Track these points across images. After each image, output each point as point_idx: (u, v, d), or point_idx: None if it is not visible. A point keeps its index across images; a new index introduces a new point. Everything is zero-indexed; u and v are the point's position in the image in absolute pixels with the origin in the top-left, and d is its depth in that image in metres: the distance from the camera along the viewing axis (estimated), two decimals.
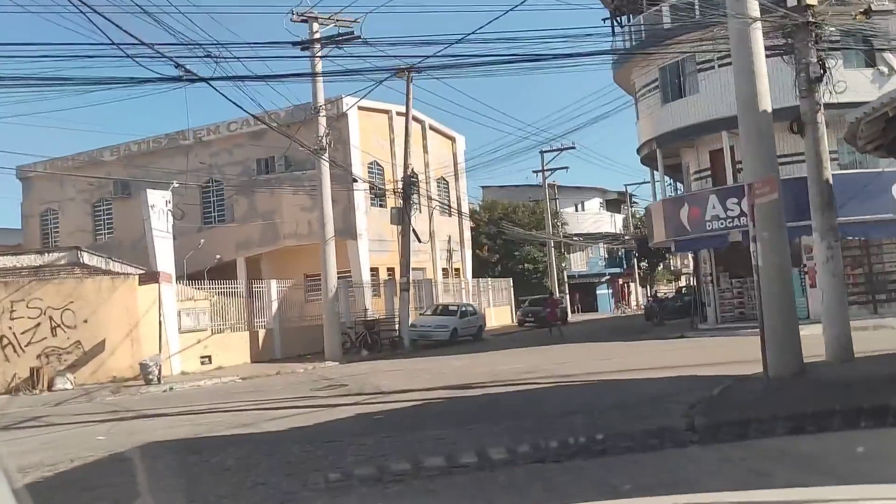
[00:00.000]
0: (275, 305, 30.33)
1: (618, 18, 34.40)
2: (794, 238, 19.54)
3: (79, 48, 13.99)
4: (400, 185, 34.36)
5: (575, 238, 63.64)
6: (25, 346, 22.89)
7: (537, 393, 15.08)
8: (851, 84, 18.68)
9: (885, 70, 26.03)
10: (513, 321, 50.05)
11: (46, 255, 27.42)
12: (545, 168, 57.06)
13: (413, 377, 19.85)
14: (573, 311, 55.65)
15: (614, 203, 74.30)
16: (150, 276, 24.32)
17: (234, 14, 73.09)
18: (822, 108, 14.69)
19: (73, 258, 26.48)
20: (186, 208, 34.03)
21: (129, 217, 36.65)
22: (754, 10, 13.24)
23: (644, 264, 72.36)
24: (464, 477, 8.02)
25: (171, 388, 21.25)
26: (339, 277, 30.35)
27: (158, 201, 25.63)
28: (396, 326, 33.52)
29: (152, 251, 25.09)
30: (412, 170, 34.40)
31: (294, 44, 26.01)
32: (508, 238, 55.60)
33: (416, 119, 38.11)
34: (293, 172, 36.78)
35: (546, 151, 55.29)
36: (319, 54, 27.30)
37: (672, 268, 77.95)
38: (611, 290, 72.86)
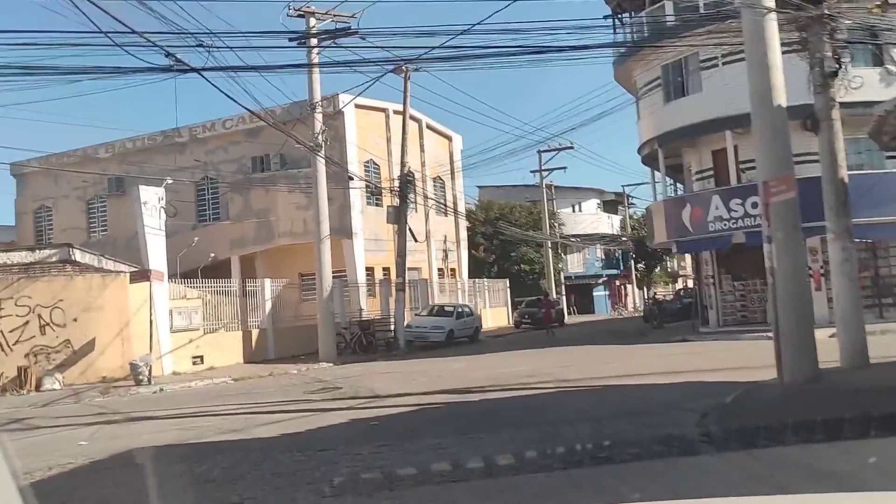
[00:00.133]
0: (268, 305, 29.86)
1: (619, 16, 33.88)
2: None
3: (65, 36, 13.45)
4: (397, 183, 33.88)
5: (572, 239, 63.21)
6: (13, 344, 22.41)
7: (540, 398, 14.51)
8: (864, 81, 18.17)
9: (894, 69, 25.51)
10: (509, 322, 49.56)
11: (37, 252, 26.93)
12: (543, 168, 56.56)
13: (409, 380, 19.35)
14: (569, 313, 55.13)
15: (611, 204, 73.81)
16: (142, 274, 23.78)
17: (229, 2, 71.96)
18: (837, 104, 14.15)
19: (64, 255, 25.99)
20: (181, 206, 33.62)
21: (123, 215, 36.19)
22: (768, 0, 12.74)
23: (641, 266, 71.96)
24: (466, 490, 7.48)
25: (161, 389, 20.73)
26: (334, 277, 29.88)
27: (151, 198, 25.09)
28: (392, 327, 33.03)
29: (144, 248, 24.58)
30: (409, 168, 33.91)
31: (290, 38, 25.55)
32: (505, 238, 55.19)
33: (413, 118, 37.68)
34: (289, 170, 36.38)
35: (544, 151, 54.84)
36: (316, 50, 26.83)
37: (669, 270, 77.76)
38: (608, 292, 72.35)
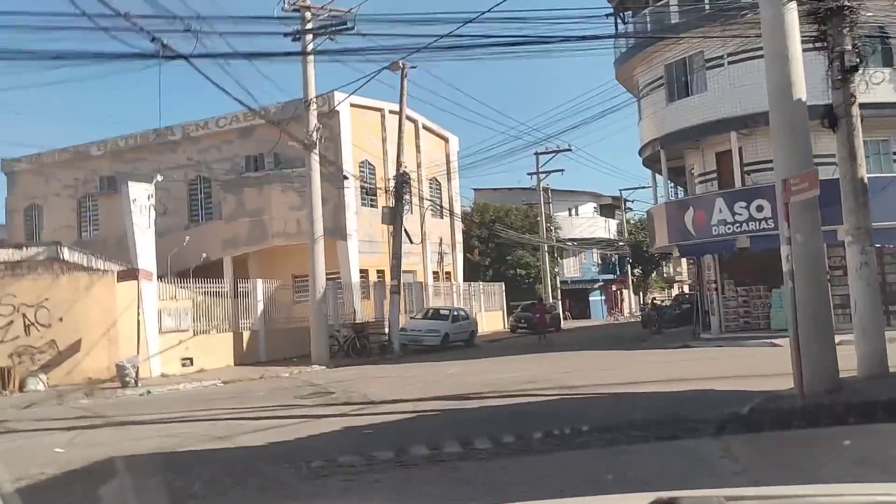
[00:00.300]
0: (260, 306, 29.22)
1: (621, 15, 33.26)
2: None
3: (43, 19, 12.76)
4: (392, 183, 33.26)
5: (568, 243, 62.65)
6: None
7: (543, 406, 13.81)
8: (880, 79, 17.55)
9: None
10: (504, 327, 48.92)
11: (25, 250, 26.34)
12: (540, 170, 56.00)
13: (404, 385, 18.71)
14: (565, 318, 54.49)
15: (608, 208, 73.25)
16: (130, 273, 23.07)
17: None
18: (856, 100, 13.50)
19: (52, 254, 25.43)
20: (173, 205, 33.04)
21: (115, 214, 35.43)
22: None
23: (637, 271, 71.49)
24: None
25: (148, 392, 20.09)
26: (327, 279, 29.32)
27: (140, 195, 24.41)
28: (386, 330, 32.43)
29: (133, 247, 23.95)
30: (405, 168, 33.29)
31: (285, 34, 24.98)
32: (500, 241, 54.64)
33: (409, 118, 37.05)
34: (283, 170, 35.80)
35: (541, 153, 54.37)
36: (311, 47, 26.22)
37: (665, 275, 77.29)
38: (603, 297, 71.78)
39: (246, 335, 28.39)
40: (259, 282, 29.79)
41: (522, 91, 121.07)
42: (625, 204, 72.90)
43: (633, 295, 73.29)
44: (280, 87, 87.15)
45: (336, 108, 34.32)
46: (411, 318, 35.81)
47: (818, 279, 11.74)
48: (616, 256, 71.62)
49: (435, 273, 44.77)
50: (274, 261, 35.59)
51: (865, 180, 13.47)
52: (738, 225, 26.30)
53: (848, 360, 12.59)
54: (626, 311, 70.26)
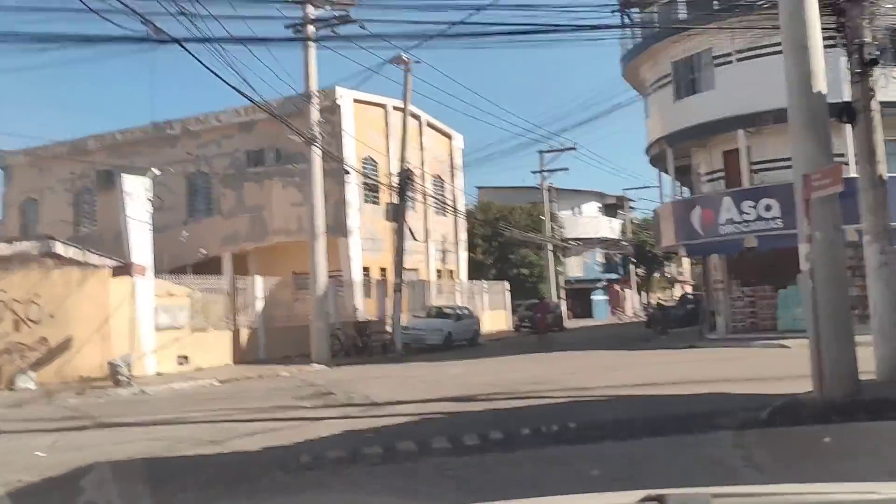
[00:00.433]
0: (260, 304, 28.73)
1: (628, 15, 32.72)
2: None
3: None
4: (395, 179, 32.79)
5: (572, 242, 62.14)
6: None
7: (552, 409, 13.28)
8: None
9: None
10: (509, 326, 48.48)
11: (16, 243, 25.80)
12: (544, 169, 55.51)
13: (407, 386, 18.20)
14: (567, 318, 54.00)
15: (612, 207, 72.77)
16: (124, 269, 22.58)
17: None
18: (875, 94, 13.00)
19: (45, 248, 24.88)
20: (172, 200, 32.52)
21: (112, 209, 34.81)
22: None
23: (641, 271, 71.04)
24: None
25: (141, 391, 19.55)
26: (329, 276, 28.81)
27: (136, 188, 23.90)
28: (388, 329, 31.98)
29: (127, 241, 23.41)
30: (408, 164, 32.82)
31: (286, 25, 24.59)
32: (504, 240, 54.19)
33: (413, 115, 36.62)
34: (283, 166, 35.25)
35: (546, 152, 53.95)
36: (313, 36, 25.78)
37: (667, 275, 76.88)
38: (607, 297, 71.26)
39: (244, 333, 27.89)
40: (258, 278, 29.30)
41: (526, 88, 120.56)
42: (627, 203, 72.44)
43: (636, 295, 72.85)
44: (281, 76, 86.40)
45: (338, 103, 33.88)
46: (414, 316, 35.41)
47: (839, 278, 11.25)
48: (620, 256, 71.15)
49: (438, 271, 44.42)
50: (274, 258, 35.13)
51: (885, 177, 13.01)
52: (745, 224, 25.82)
53: (865, 363, 12.09)
54: (628, 310, 69.76)
